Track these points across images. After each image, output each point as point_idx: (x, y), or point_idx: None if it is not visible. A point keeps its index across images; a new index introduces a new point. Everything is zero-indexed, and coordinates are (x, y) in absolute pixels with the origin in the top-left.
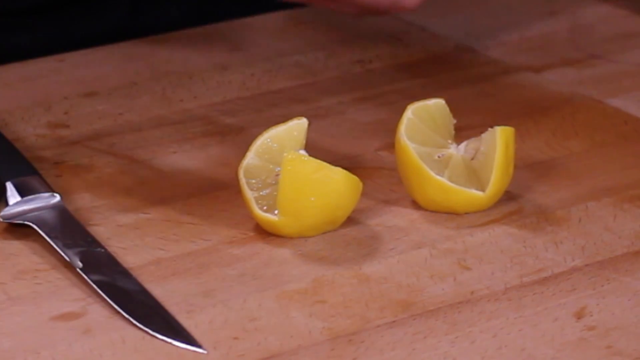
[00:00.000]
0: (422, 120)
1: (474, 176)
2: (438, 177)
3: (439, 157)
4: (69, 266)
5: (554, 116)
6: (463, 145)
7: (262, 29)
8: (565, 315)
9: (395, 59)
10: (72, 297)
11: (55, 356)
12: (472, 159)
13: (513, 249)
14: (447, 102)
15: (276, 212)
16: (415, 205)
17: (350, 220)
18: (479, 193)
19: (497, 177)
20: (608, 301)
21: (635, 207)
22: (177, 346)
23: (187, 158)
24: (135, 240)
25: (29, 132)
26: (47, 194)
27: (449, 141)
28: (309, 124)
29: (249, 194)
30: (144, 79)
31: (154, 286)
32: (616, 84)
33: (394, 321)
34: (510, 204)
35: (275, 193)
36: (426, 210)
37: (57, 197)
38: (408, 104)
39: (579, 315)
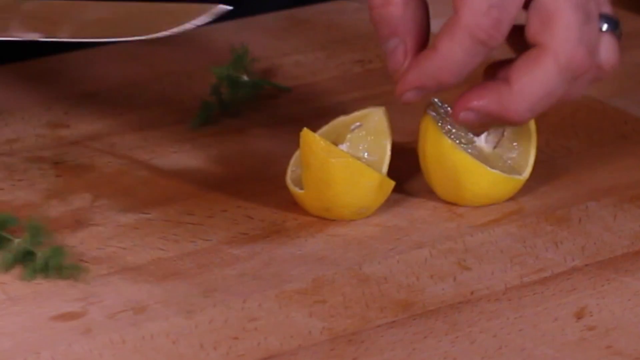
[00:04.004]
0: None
1: (500, 162)
2: (494, 171)
3: (470, 151)
4: None
5: (554, 116)
6: (483, 136)
7: (262, 29)
8: (565, 315)
9: None
10: (72, 297)
11: (55, 356)
12: (495, 147)
13: (513, 249)
14: (447, 102)
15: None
16: (415, 205)
17: (351, 220)
18: (521, 177)
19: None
20: (608, 301)
21: (635, 207)
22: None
23: (187, 158)
24: (135, 240)
25: (29, 132)
26: None
27: (469, 134)
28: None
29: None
30: (144, 79)
31: (154, 286)
32: (616, 84)
33: (394, 321)
34: (510, 204)
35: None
36: (426, 209)
37: None
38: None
39: (579, 315)
